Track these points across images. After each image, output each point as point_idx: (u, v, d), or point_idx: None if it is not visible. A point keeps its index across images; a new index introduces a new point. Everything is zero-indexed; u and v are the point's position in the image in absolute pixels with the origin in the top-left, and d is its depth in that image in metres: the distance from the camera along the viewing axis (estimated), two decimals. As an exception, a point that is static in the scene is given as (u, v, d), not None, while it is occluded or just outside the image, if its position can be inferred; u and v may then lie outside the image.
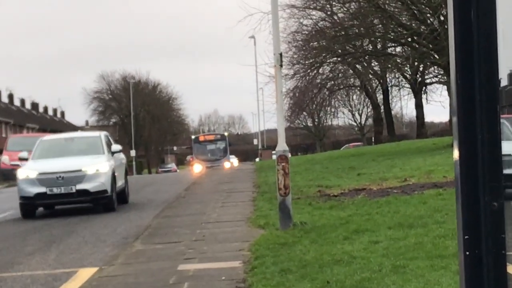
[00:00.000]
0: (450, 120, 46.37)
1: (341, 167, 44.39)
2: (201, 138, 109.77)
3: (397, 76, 71.65)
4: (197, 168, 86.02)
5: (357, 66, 68.62)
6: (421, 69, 61.60)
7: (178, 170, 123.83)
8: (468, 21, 2.00)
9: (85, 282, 16.69)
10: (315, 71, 61.83)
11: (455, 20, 1.99)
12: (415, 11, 48.36)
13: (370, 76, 73.19)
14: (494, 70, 1.95)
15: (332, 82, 72.10)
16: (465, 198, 1.93)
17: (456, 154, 2.06)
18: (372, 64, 68.89)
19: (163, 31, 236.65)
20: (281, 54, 24.57)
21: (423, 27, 49.30)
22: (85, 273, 17.59)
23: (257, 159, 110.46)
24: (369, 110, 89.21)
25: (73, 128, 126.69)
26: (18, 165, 41.28)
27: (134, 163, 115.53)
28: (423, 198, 25.40)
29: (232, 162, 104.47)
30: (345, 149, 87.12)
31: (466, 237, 1.93)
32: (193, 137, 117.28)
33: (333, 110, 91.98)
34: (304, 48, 58.65)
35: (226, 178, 47.89)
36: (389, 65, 64.53)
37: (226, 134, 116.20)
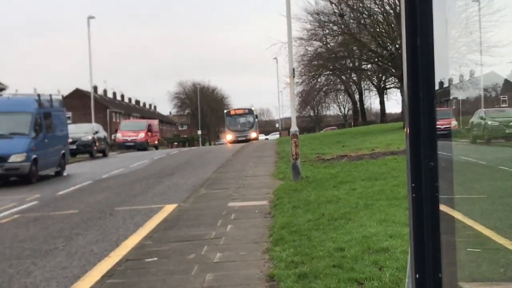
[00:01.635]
0: (403, 111, 58.23)
1: (331, 142, 47.88)
2: (232, 112, 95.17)
3: (368, 83, 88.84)
4: (229, 137, 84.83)
5: (342, 77, 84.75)
6: (383, 79, 77.08)
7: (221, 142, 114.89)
8: (415, 47, 1.97)
9: (169, 212, 17.55)
10: (315, 80, 74.48)
11: (407, 46, 1.99)
12: (379, 42, 59.94)
13: (351, 83, 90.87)
14: (431, 78, 1.95)
15: (326, 87, 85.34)
16: (412, 160, 1.93)
17: (406, 132, 2.02)
18: (352, 76, 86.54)
19: (216, 52, 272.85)
20: (293, 69, 27.74)
21: (385, 51, 60.35)
22: (170, 207, 18.45)
23: (278, 136, 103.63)
24: (349, 105, 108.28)
25: (161, 116, 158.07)
26: (127, 139, 49.15)
27: (200, 138, 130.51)
28: (384, 161, 27.43)
29: (257, 133, 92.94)
30: (324, 131, 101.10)
31: (413, 185, 1.93)
32: (225, 111, 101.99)
33: (326, 105, 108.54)
34: (308, 65, 70.23)
35: (257, 149, 48.52)
36: (363, 76, 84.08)
37: (253, 108, 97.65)
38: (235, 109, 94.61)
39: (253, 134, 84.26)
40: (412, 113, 1.97)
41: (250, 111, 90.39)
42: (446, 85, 14.65)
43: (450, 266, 2.14)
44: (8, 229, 16.96)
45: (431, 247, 1.92)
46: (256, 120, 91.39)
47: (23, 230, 16.50)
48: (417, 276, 1.92)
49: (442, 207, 1.97)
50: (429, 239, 1.92)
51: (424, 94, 1.96)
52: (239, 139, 78.59)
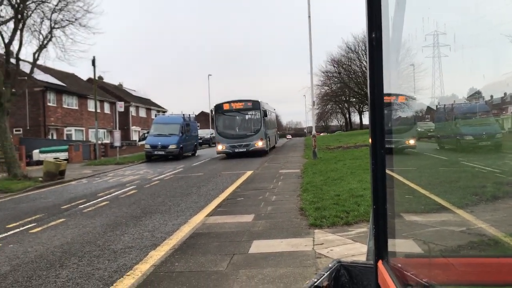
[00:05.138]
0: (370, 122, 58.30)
1: (333, 139, 45.92)
2: (226, 106, 29.65)
3: (353, 108, 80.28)
4: (219, 147, 28.65)
5: (339, 105, 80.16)
6: (361, 105, 70.77)
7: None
8: (373, 89, 1.67)
9: (249, 175, 17.55)
10: (325, 107, 76.73)
11: (370, 87, 1.68)
12: (359, 86, 60.08)
13: (344, 108, 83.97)
14: (382, 103, 1.69)
15: (331, 110, 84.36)
16: (374, 149, 1.70)
17: (370, 133, 1.74)
18: (345, 104, 79.46)
19: (268, 89, 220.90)
20: (314, 101, 28.57)
21: (362, 91, 59.40)
22: (249, 172, 18.52)
23: (306, 137, 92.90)
24: (343, 119, 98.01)
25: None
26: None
27: None
28: (362, 149, 26.08)
29: (268, 139, 31.34)
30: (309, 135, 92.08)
31: (373, 161, 1.72)
32: (214, 105, 30.94)
33: (331, 119, 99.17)
34: (321, 99, 71.57)
35: (293, 143, 47.52)
36: (351, 104, 76.65)
37: (259, 100, 30.13)
38: (230, 101, 29.73)
39: (259, 143, 28.48)
40: (372, 124, 1.79)
41: (256, 105, 29.73)
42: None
43: (391, 204, 1.92)
44: (168, 182, 17.39)
45: (381, 193, 1.82)
46: (267, 118, 31.27)
47: (175, 182, 16.96)
48: (374, 207, 1.84)
49: (388, 171, 1.83)
50: (380, 188, 1.82)
51: (379, 112, 1.78)
52: (236, 150, 28.05)
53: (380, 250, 1.88)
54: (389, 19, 1.72)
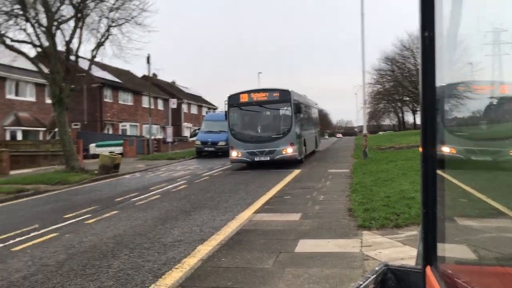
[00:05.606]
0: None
1: (385, 139, 44.46)
2: (243, 98, 19.89)
3: (406, 107, 77.42)
4: (233, 153, 19.91)
5: (392, 104, 77.73)
6: (415, 105, 67.98)
7: (326, 137, 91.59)
8: (425, 88, 1.62)
9: (296, 174, 17.41)
10: (377, 106, 75.18)
11: (422, 86, 1.61)
12: (413, 85, 57.81)
13: (397, 107, 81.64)
14: (433, 99, 1.61)
15: (383, 109, 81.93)
16: (424, 149, 1.62)
17: (421, 133, 1.65)
18: (397, 103, 77.14)
19: (320, 86, 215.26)
20: (365, 100, 27.07)
21: (416, 90, 57.50)
22: (297, 171, 18.28)
23: (356, 136, 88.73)
24: (395, 119, 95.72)
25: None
26: None
27: None
28: (415, 150, 24.18)
29: (303, 143, 21.94)
30: (381, 133, 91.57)
31: (423, 163, 1.63)
32: (228, 96, 20.47)
33: (383, 119, 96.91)
34: (373, 98, 70.61)
35: (343, 141, 46.97)
36: (404, 103, 73.73)
37: (290, 89, 19.95)
38: (250, 91, 20.15)
39: (289, 149, 19.32)
40: (423, 123, 1.71)
41: (285, 96, 19.67)
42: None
43: (442, 207, 1.85)
44: (217, 178, 17.64)
45: (431, 195, 1.76)
46: (301, 114, 21.28)
47: (224, 179, 17.18)
48: (424, 210, 1.78)
49: (440, 172, 1.73)
50: (430, 190, 1.76)
51: (430, 112, 1.69)
52: (256, 158, 19.43)
53: (428, 255, 1.82)
54: (442, 17, 1.65)
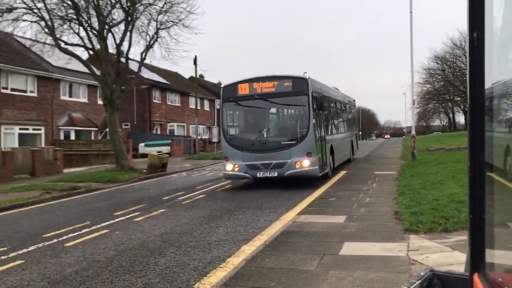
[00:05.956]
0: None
1: (435, 140, 43.80)
2: (242, 89, 14.22)
3: (457, 108, 76.88)
4: (228, 166, 14.38)
5: (443, 104, 76.64)
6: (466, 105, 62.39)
7: (373, 138, 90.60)
8: (472, 90, 1.28)
9: (342, 175, 17.19)
10: (426, 106, 72.56)
11: (470, 88, 1.28)
12: (465, 85, 53.86)
13: (449, 105, 78.35)
14: (482, 101, 1.25)
15: (433, 109, 79.65)
16: (471, 151, 1.57)
17: (468, 134, 1.33)
18: (448, 104, 76.34)
19: (366, 85, 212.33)
20: (414, 100, 26.01)
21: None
22: (343, 172, 18.02)
23: (404, 137, 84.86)
24: (446, 119, 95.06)
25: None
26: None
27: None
28: (465, 152, 23.40)
29: (330, 152, 16.20)
30: (432, 135, 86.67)
31: (471, 166, 1.57)
32: (222, 86, 15.17)
33: (432, 119, 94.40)
34: (425, 97, 68.54)
35: (391, 143, 45.94)
36: (455, 104, 73.08)
37: (307, 76, 13.90)
38: (250, 79, 14.33)
39: (305, 162, 13.67)
40: (471, 125, 1.64)
41: (299, 85, 13.92)
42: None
43: (492, 210, 1.72)
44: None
45: (479, 199, 1.68)
46: (324, 111, 15.58)
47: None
48: (471, 216, 1.69)
49: (490, 174, 1.66)
50: (478, 193, 1.67)
51: (479, 114, 1.62)
52: (260, 174, 13.97)
53: (476, 261, 1.74)
54: (493, 18, 1.58)
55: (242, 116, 15.57)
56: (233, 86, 14.74)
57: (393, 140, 60.68)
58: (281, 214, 9.95)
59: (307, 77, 14.09)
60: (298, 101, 14.27)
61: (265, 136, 14.65)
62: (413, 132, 23.42)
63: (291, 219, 9.25)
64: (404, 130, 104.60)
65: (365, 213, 9.53)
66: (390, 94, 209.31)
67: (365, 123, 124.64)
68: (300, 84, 14.09)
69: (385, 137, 78.79)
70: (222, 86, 15.24)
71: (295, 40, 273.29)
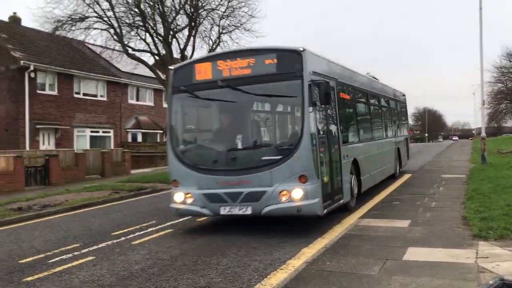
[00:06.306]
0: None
1: (507, 142, 41.91)
2: (202, 72, 8.39)
3: None
4: (178, 197, 8.71)
5: None
6: None
7: (440, 140, 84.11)
8: None
9: (407, 178, 16.78)
10: (498, 106, 66.98)
11: None
12: None
13: None
14: None
15: (505, 110, 70.27)
16: None
17: None
18: None
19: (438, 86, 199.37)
20: (483, 100, 25.03)
21: None
22: (407, 175, 17.62)
23: (473, 139, 78.07)
24: None
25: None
26: None
27: (426, 137, 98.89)
28: None
29: (349, 173, 9.81)
30: (503, 136, 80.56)
31: None
32: (171, 68, 8.99)
33: (504, 120, 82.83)
34: (496, 96, 63.82)
35: (459, 144, 44.24)
36: None
37: (301, 49, 7.63)
38: (214, 56, 9.21)
39: (295, 192, 7.68)
40: None
41: (291, 63, 7.86)
42: None
43: None
44: None
45: None
46: (336, 110, 9.23)
47: None
48: None
49: None
50: None
51: None
52: (224, 210, 8.23)
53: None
54: None
55: (200, 115, 10.35)
56: (188, 67, 9.36)
57: (462, 142, 58.21)
58: (343, 218, 9.78)
59: (301, 49, 8.29)
60: (286, 88, 8.51)
61: (235, 147, 8.64)
62: (483, 133, 22.34)
63: (353, 223, 9.13)
64: (473, 132, 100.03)
65: (430, 218, 9.24)
66: (459, 94, 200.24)
67: (432, 124, 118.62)
68: (289, 62, 8.39)
69: (453, 139, 75.33)
70: (171, 68, 9.66)
71: (365, 39, 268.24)
